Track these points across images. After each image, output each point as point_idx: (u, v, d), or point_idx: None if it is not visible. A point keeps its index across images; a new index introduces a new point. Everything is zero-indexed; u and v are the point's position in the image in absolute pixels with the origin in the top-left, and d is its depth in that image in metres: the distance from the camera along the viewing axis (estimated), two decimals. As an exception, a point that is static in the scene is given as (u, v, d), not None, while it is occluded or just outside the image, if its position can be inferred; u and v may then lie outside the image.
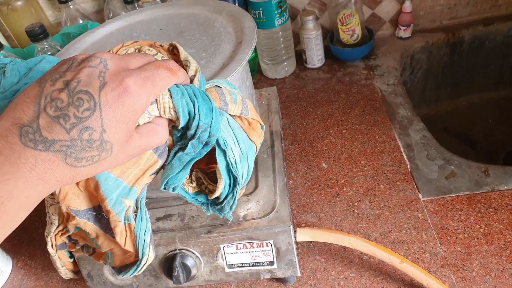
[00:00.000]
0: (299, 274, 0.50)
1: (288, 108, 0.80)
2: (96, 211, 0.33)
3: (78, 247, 0.39)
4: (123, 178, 0.33)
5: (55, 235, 0.38)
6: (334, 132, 0.72)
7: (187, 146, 0.32)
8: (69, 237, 0.39)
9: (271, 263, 0.48)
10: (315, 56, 0.87)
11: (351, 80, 0.83)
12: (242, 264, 0.49)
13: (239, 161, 0.36)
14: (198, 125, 0.31)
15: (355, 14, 0.83)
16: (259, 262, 0.49)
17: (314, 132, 0.73)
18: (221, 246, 0.48)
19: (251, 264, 0.49)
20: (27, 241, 0.67)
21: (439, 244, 0.53)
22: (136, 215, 0.34)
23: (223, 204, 0.39)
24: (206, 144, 0.33)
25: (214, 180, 0.39)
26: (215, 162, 0.36)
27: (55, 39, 0.76)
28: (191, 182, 0.40)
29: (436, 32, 0.90)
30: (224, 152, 0.35)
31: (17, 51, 0.78)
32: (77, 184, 0.32)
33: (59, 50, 0.71)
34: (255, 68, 0.91)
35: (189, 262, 0.48)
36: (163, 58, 0.36)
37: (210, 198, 0.39)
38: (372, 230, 0.56)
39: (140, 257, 0.35)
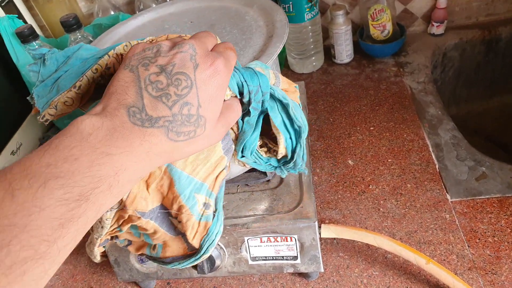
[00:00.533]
0: (322, 270, 0.50)
1: (315, 103, 0.80)
2: (164, 208, 0.36)
3: (115, 241, 0.40)
4: (194, 175, 0.35)
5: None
6: (362, 129, 0.71)
7: (249, 111, 0.36)
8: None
9: (295, 258, 0.49)
10: (344, 52, 0.85)
11: (380, 77, 0.82)
12: (266, 257, 0.49)
13: (295, 110, 0.39)
14: (249, 90, 0.35)
15: (386, 10, 0.81)
16: (283, 256, 0.49)
17: (341, 128, 0.72)
18: (245, 238, 0.48)
19: (274, 258, 0.49)
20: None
21: (467, 247, 0.51)
22: (214, 215, 0.37)
23: (294, 158, 0.41)
24: (263, 102, 0.37)
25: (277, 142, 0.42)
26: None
27: (87, 30, 0.78)
28: (260, 147, 0.42)
29: (471, 29, 0.88)
30: (282, 104, 0.38)
31: (50, 41, 0.80)
32: (147, 187, 0.34)
33: (91, 40, 0.72)
34: (282, 62, 0.91)
35: (214, 252, 0.48)
36: None
37: (278, 158, 0.42)
38: (397, 229, 0.55)
39: (200, 254, 0.37)
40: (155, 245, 0.39)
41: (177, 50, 0.30)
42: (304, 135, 0.40)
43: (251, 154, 0.39)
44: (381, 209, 0.58)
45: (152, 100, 0.29)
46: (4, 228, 0.22)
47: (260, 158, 0.42)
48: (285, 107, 0.38)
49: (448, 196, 0.57)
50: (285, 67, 0.91)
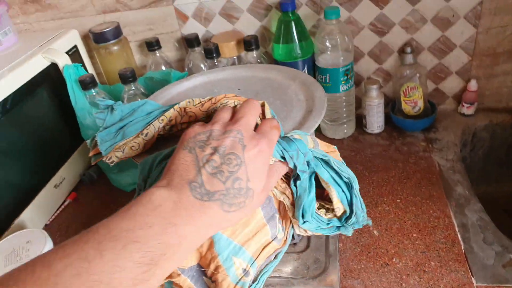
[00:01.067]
0: None
1: (344, 169, 0.82)
2: (200, 267, 0.39)
3: None
4: (233, 238, 0.38)
5: None
6: (389, 200, 0.73)
7: (298, 175, 0.40)
8: None
9: (315, 324, 0.49)
10: (376, 123, 0.89)
11: (409, 150, 0.84)
12: (287, 320, 0.50)
13: (338, 165, 0.42)
14: (289, 156, 0.39)
15: (418, 88, 0.86)
16: (303, 321, 0.50)
17: (368, 197, 0.74)
18: (269, 299, 0.50)
19: (295, 322, 0.50)
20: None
21: (489, 335, 0.51)
22: (251, 285, 0.40)
23: (354, 211, 0.43)
24: (308, 163, 0.41)
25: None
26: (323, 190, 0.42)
27: (140, 81, 0.85)
28: (318, 209, 0.45)
29: (501, 113, 0.90)
30: (324, 161, 0.41)
31: (105, 88, 0.88)
32: None
33: (143, 92, 0.79)
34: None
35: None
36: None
37: (337, 215, 0.44)
38: (419, 307, 0.55)
39: None
40: None
41: (227, 135, 0.36)
42: (356, 185, 0.44)
43: (312, 217, 0.42)
44: (403, 284, 0.58)
45: (209, 176, 0.33)
46: (94, 283, 0.26)
47: (321, 220, 0.44)
48: (328, 163, 0.41)
49: (474, 280, 0.57)
50: (317, 131, 0.95)
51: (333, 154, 0.45)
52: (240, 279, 0.39)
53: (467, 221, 0.66)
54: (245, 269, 0.39)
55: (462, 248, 0.62)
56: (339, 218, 0.45)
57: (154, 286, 0.30)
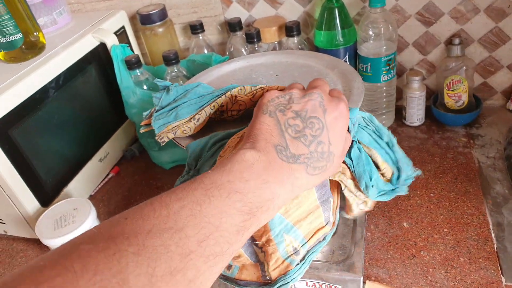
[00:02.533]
0: (361, 326, 0.51)
1: (378, 160, 0.82)
2: (252, 238, 0.41)
3: None
4: (286, 217, 0.40)
5: None
6: (422, 194, 0.72)
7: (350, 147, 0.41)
8: None
9: (336, 307, 0.51)
10: (415, 115, 0.88)
11: (448, 145, 0.82)
12: (309, 301, 0.52)
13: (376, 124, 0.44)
14: (353, 123, 0.40)
15: (464, 81, 0.83)
16: (325, 304, 0.51)
17: (400, 189, 0.74)
18: (293, 279, 0.52)
19: (317, 303, 0.52)
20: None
21: (515, 335, 0.50)
22: (299, 263, 0.41)
23: (402, 168, 0.45)
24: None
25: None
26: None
27: (182, 63, 0.88)
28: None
29: (552, 111, 0.86)
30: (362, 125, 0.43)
31: (149, 68, 0.92)
32: None
33: (184, 74, 0.82)
34: (352, 115, 0.94)
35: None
36: None
37: (388, 178, 0.46)
38: (443, 301, 0.55)
39: (274, 287, 0.42)
40: (230, 266, 0.44)
41: (308, 98, 0.36)
42: (395, 141, 0.45)
43: (372, 180, 0.43)
44: (429, 277, 0.58)
45: (293, 140, 0.34)
46: (205, 224, 0.28)
47: (382, 181, 0.45)
48: (367, 126, 0.42)
49: (503, 279, 0.57)
50: (354, 120, 0.95)
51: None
52: (290, 256, 0.41)
53: (503, 220, 0.65)
54: (295, 248, 0.41)
55: (495, 246, 0.61)
56: (390, 181, 0.45)
57: (248, 236, 0.32)
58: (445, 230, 0.65)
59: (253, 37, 0.81)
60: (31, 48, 0.76)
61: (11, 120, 0.67)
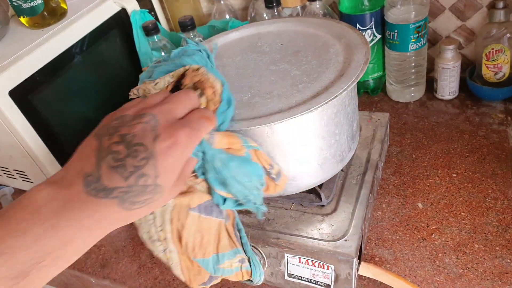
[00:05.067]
0: (353, 306, 0.50)
1: (402, 135, 0.77)
2: None
3: None
4: (206, 256, 0.41)
5: None
6: (443, 173, 0.67)
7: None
8: None
9: (328, 286, 0.50)
10: (447, 88, 0.81)
11: (481, 122, 0.76)
12: (301, 277, 0.51)
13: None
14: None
15: (506, 51, 0.75)
16: (317, 281, 0.50)
17: (421, 168, 0.69)
18: (286, 255, 0.51)
19: (309, 280, 0.51)
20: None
21: (522, 331, 0.47)
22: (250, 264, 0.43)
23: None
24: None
25: None
26: None
27: (203, 29, 0.86)
28: None
29: None
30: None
31: (171, 34, 0.91)
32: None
33: (201, 40, 0.80)
34: (380, 86, 0.89)
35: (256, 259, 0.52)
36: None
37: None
38: (448, 288, 0.52)
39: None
40: None
41: (138, 120, 0.31)
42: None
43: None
44: (437, 262, 0.55)
45: (109, 170, 0.29)
46: None
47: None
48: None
49: (520, 270, 0.52)
50: (382, 92, 0.89)
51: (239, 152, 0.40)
52: (241, 268, 0.42)
53: (529, 207, 0.59)
54: (240, 259, 0.42)
55: (515, 235, 0.56)
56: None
57: None
58: (462, 213, 0.60)
59: (272, 1, 0.77)
60: (52, 13, 0.77)
61: (33, 84, 0.70)
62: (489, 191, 0.63)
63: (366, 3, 0.75)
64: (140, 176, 0.29)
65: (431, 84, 0.84)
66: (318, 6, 0.78)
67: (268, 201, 0.56)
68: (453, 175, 0.67)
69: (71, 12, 0.80)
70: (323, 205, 0.54)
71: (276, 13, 0.79)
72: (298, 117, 0.41)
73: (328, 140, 0.48)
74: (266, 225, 0.53)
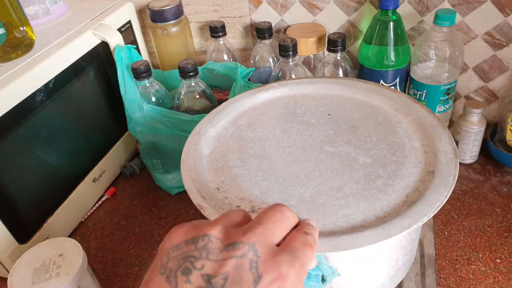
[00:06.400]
0: None
1: (425, 205, 0.69)
2: None
3: None
4: None
5: None
6: (485, 257, 0.59)
7: None
8: None
9: None
10: (469, 152, 0.74)
11: (509, 193, 0.70)
12: None
13: None
14: None
15: (532, 117, 0.70)
16: None
17: (458, 249, 0.61)
18: None
19: None
20: (122, 276, 0.64)
21: None
22: None
23: None
24: None
25: None
26: None
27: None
28: None
29: None
30: None
31: (158, 73, 0.78)
32: None
33: (203, 90, 0.68)
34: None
35: None
36: None
37: None
38: None
39: None
40: None
41: (230, 253, 0.22)
42: None
43: None
44: None
45: None
46: None
47: None
48: None
49: None
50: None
51: None
52: None
53: None
54: None
55: None
56: None
57: None
58: (520, 313, 0.52)
59: (288, 50, 0.66)
60: (16, 45, 0.61)
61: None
62: (542, 283, 0.55)
63: (392, 58, 0.68)
64: None
65: (449, 146, 0.78)
66: (338, 57, 0.68)
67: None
68: (497, 260, 0.59)
69: (40, 43, 0.64)
70: None
71: (291, 62, 0.69)
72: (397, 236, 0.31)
73: (405, 249, 0.37)
74: None
